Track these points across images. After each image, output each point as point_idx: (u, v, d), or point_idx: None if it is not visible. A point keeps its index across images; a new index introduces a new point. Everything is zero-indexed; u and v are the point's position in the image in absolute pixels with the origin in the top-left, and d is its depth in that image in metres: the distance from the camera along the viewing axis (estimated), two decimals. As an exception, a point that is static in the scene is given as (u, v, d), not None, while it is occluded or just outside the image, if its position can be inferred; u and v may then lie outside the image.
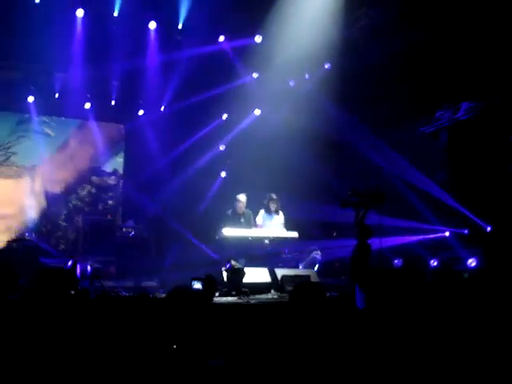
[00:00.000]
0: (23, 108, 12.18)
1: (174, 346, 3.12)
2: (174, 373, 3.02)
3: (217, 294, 7.35)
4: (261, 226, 9.52)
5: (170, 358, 3.11)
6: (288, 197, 10.20)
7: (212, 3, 10.40)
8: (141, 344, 3.26)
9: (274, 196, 9.63)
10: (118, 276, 10.55)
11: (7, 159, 12.40)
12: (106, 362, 3.57)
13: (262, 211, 9.66)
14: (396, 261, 8.29)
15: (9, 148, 12.45)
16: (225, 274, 7.74)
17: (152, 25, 11.30)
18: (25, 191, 12.43)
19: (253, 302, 6.73)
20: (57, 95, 12.03)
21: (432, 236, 10.20)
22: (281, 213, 9.70)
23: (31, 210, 12.26)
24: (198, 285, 6.08)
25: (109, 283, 8.60)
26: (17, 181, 12.45)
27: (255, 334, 5.39)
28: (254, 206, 9.73)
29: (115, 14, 10.58)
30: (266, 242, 9.11)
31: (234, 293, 7.31)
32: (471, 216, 9.58)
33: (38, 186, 12.64)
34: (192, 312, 3.20)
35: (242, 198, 9.40)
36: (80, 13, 10.48)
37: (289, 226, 9.59)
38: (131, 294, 7.14)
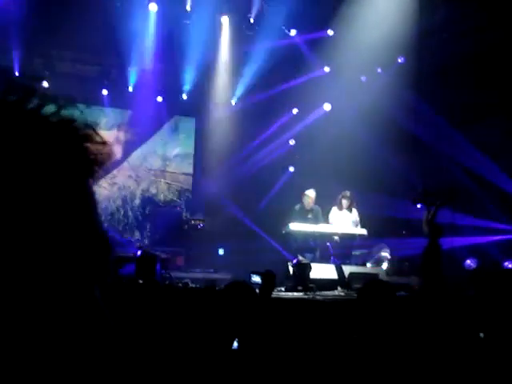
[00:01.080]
0: (97, 101, 12.52)
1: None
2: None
3: (283, 289, 7.34)
4: (333, 223, 9.38)
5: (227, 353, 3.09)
6: (359, 192, 10.04)
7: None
8: (200, 337, 3.26)
9: (347, 193, 9.45)
10: (186, 267, 10.71)
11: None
12: (166, 352, 3.59)
13: (334, 208, 9.50)
14: (469, 261, 8.01)
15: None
16: (291, 269, 7.69)
17: (224, 19, 11.36)
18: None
19: (318, 298, 6.67)
20: (130, 89, 12.29)
21: (508, 237, 9.83)
22: (354, 210, 9.51)
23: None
24: (256, 278, 6.05)
25: (177, 274, 8.75)
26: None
27: (320, 330, 5.33)
28: (323, 202, 9.63)
29: (188, 8, 10.68)
30: (335, 238, 9.01)
31: (300, 288, 7.25)
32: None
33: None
34: (250, 306, 3.17)
35: (311, 193, 9.28)
36: (153, 7, 10.64)
37: (361, 223, 9.44)
38: (198, 286, 7.21)
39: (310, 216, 9.19)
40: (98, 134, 0.73)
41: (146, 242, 11.33)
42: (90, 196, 0.71)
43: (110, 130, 12.66)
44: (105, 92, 12.39)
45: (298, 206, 9.30)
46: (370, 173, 11.01)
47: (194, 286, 7.17)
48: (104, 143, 0.72)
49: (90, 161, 0.70)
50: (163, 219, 11.68)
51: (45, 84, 11.71)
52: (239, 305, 3.28)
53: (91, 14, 10.21)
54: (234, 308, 3.28)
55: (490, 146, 10.05)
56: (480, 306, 5.63)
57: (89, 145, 0.71)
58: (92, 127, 0.72)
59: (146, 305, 5.21)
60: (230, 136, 12.90)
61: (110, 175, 12.72)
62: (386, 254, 9.03)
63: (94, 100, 12.47)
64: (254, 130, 12.89)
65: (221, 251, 11.71)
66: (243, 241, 11.83)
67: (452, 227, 8.64)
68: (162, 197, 13.38)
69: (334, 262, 8.31)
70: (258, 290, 4.38)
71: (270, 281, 5.07)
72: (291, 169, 13.29)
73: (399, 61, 11.39)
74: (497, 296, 6.30)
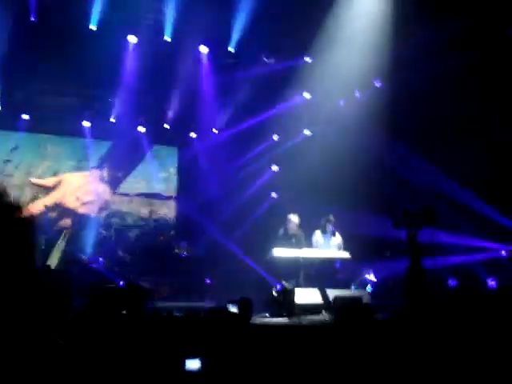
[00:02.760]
0: (79, 133, 12.57)
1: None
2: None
3: (267, 315, 7.35)
4: (317, 247, 9.40)
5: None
6: (342, 212, 10.10)
7: (262, 26, 10.50)
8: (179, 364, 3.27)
9: (331, 217, 9.49)
10: (170, 296, 10.67)
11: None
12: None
13: (317, 232, 9.52)
14: (450, 281, 8.09)
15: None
16: (276, 294, 7.70)
17: (203, 49, 11.48)
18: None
19: (304, 322, 6.68)
20: (112, 119, 12.35)
21: (488, 255, 9.93)
22: (337, 234, 9.55)
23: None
24: (233, 308, 6.07)
25: (162, 304, 8.71)
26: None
27: (305, 355, 5.33)
28: (306, 226, 9.66)
29: (167, 38, 10.78)
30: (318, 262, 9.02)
31: (285, 314, 7.26)
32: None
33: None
34: (229, 333, 3.19)
35: (294, 218, 9.30)
36: (133, 39, 10.72)
37: (345, 245, 9.47)
38: (183, 315, 7.18)
39: (293, 241, 9.19)
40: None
41: (131, 272, 11.25)
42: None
43: (96, 168, 12.78)
44: (87, 123, 12.43)
45: (281, 231, 9.32)
46: (353, 193, 11.10)
47: (178, 315, 7.13)
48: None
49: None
50: (147, 250, 11.63)
51: (25, 117, 11.81)
52: (218, 332, 3.30)
53: (71, 47, 10.31)
54: (213, 335, 3.29)
55: (464, 169, 10.21)
56: (462, 323, 5.67)
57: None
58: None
59: (129, 335, 5.18)
60: (212, 164, 12.99)
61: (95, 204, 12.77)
62: (370, 276, 9.06)
63: (76, 132, 12.54)
64: (236, 157, 12.98)
65: (207, 280, 11.69)
66: (229, 268, 11.84)
67: (435, 247, 8.72)
68: (146, 227, 13.36)
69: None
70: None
71: (246, 308, 5.09)
72: (273, 194, 13.36)
73: (376, 85, 11.54)
74: (476, 314, 6.36)
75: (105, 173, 13.11)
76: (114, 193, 13.27)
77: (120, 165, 13.17)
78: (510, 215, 9.61)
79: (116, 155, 13.00)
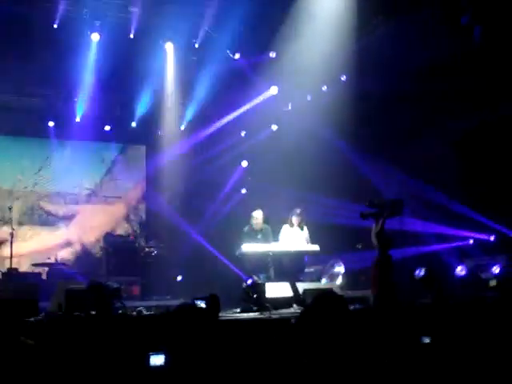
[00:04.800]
0: (44, 133, 12.39)
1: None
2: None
3: (238, 310, 7.34)
4: (284, 241, 9.42)
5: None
6: (310, 207, 10.15)
7: (227, 22, 10.46)
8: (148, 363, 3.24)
9: (297, 211, 9.50)
10: (142, 296, 10.60)
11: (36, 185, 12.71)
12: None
13: (285, 226, 9.54)
14: (418, 271, 8.17)
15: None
16: (246, 290, 7.69)
17: (168, 45, 11.39)
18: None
19: (274, 316, 6.67)
20: (77, 119, 12.20)
21: (457, 244, 10.06)
22: (305, 228, 9.57)
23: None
24: (201, 304, 6.07)
25: (133, 303, 8.64)
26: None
27: (276, 349, 5.33)
28: (277, 222, 9.67)
29: (131, 36, 10.67)
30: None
31: (255, 308, 7.25)
32: (488, 223, 9.48)
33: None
34: (197, 328, 3.16)
35: (258, 214, 9.29)
36: (95, 37, 10.58)
37: (315, 237, 9.51)
38: (152, 313, 7.13)
39: (259, 236, 9.17)
40: None
41: (101, 272, 11.15)
42: None
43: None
44: (51, 124, 12.27)
45: (246, 228, 9.29)
46: (322, 181, 11.16)
47: (148, 313, 7.08)
48: None
49: None
50: (117, 249, 11.52)
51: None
52: (185, 327, 3.26)
53: (34, 46, 10.15)
54: (179, 330, 3.26)
55: (428, 161, 10.34)
56: (432, 314, 5.73)
57: None
58: None
59: (97, 335, 5.14)
60: (180, 162, 12.92)
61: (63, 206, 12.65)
62: (339, 268, 9.10)
63: (41, 132, 12.36)
64: (204, 153, 12.94)
65: (179, 277, 11.63)
66: (201, 265, 11.81)
67: (404, 237, 8.80)
68: (115, 226, 13.25)
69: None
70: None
71: (214, 304, 5.08)
72: (243, 191, 13.34)
73: (342, 79, 11.56)
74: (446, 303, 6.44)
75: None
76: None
77: (86, 163, 13.07)
78: (477, 208, 9.77)
79: (82, 154, 12.87)
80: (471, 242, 9.94)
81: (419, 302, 7.29)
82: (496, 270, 8.33)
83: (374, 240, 7.15)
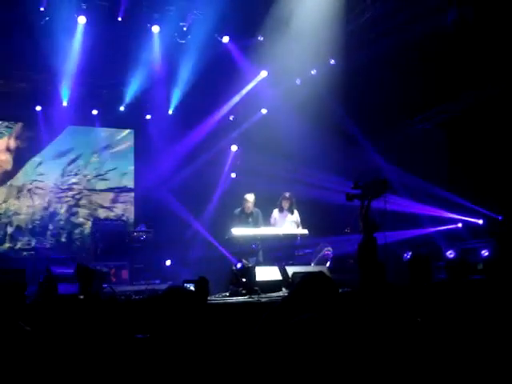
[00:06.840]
0: (32, 118, 12.29)
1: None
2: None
3: (227, 294, 7.35)
4: (274, 225, 9.46)
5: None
6: (300, 192, 10.18)
7: (216, 5, 10.36)
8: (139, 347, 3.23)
9: (287, 195, 9.55)
10: (131, 280, 10.60)
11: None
12: (106, 361, 3.56)
13: (275, 210, 9.59)
14: (405, 254, 8.22)
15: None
16: (236, 273, 7.70)
17: (155, 28, 11.27)
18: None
19: (264, 300, 6.70)
20: (64, 103, 12.09)
21: (446, 227, 10.11)
22: (295, 211, 9.61)
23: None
24: (190, 287, 6.08)
25: (122, 287, 8.65)
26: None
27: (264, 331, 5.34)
28: (267, 204, 9.70)
29: (119, 19, 10.56)
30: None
31: (244, 291, 7.27)
32: (475, 207, 9.54)
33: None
34: (186, 311, 3.16)
35: (250, 197, 9.35)
36: (82, 20, 10.45)
37: (304, 222, 9.53)
38: (141, 297, 7.14)
39: (250, 220, 9.25)
40: None
41: (89, 257, 11.12)
42: None
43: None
44: (38, 108, 12.17)
45: (237, 211, 9.35)
46: (311, 173, 11.18)
47: (137, 297, 7.09)
48: None
49: None
50: (105, 234, 11.49)
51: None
52: (175, 310, 3.26)
53: (19, 30, 10.02)
54: (170, 314, 3.25)
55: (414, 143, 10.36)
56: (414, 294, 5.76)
57: None
58: None
59: (86, 319, 5.14)
60: (169, 146, 12.87)
61: (54, 190, 12.60)
62: (328, 252, 9.13)
63: (29, 117, 12.28)
64: (193, 138, 12.89)
65: (168, 262, 11.63)
66: (190, 249, 11.82)
67: (394, 218, 8.81)
68: (104, 211, 13.21)
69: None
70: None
71: (203, 287, 5.08)
72: (233, 175, 13.34)
73: (331, 62, 11.52)
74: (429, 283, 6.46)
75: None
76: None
77: (76, 147, 13.01)
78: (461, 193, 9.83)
79: (70, 138, 12.80)
80: (460, 225, 10.00)
81: (407, 284, 7.32)
82: (485, 253, 8.39)
83: (360, 223, 7.14)
